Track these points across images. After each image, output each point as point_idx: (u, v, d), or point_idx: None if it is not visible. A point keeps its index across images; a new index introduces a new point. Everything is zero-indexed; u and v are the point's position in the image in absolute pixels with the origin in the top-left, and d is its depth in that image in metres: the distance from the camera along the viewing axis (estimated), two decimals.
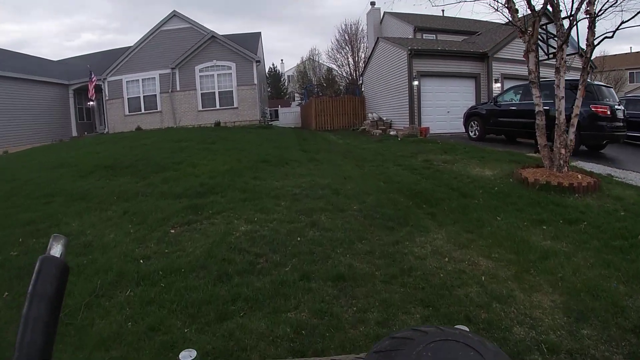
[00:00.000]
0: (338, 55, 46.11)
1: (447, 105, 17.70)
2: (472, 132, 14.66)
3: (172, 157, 8.31)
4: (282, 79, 61.66)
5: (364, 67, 22.81)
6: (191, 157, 8.27)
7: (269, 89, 59.29)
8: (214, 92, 21.93)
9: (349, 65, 46.35)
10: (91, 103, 25.64)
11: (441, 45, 19.04)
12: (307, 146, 11.74)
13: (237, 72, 21.67)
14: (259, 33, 28.64)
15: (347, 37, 44.96)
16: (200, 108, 22.02)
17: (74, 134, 24.44)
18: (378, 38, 20.17)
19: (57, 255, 0.68)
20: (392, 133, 16.98)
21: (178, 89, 22.18)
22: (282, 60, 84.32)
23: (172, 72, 22.09)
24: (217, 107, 21.88)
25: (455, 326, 0.86)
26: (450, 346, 0.71)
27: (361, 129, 18.97)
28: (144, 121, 22.61)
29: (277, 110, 29.78)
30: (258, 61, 21.64)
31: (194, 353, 0.93)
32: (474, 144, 12.66)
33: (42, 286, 0.64)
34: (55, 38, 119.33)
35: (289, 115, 34.07)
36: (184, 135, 12.50)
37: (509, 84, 18.14)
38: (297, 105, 47.67)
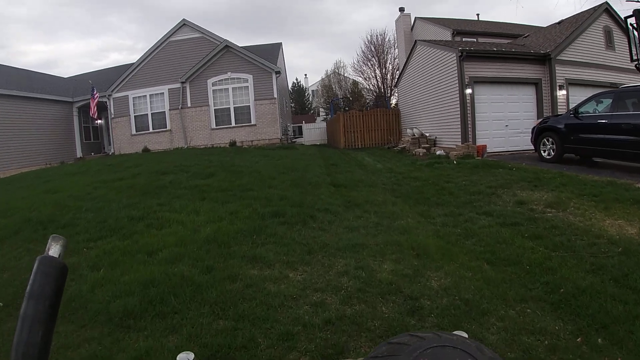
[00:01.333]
0: (365, 68, 43.53)
1: (504, 118, 14.49)
2: (544, 151, 11.41)
3: (137, 206, 5.54)
4: (306, 94, 59.30)
5: (399, 76, 19.88)
6: (164, 207, 5.47)
7: (292, 104, 57.14)
8: (229, 108, 19.36)
9: (376, 77, 43.77)
10: (99, 122, 23.63)
11: (494, 46, 15.92)
12: (338, 176, 8.82)
13: (254, 85, 19.08)
14: (280, 44, 26.16)
15: (373, 49, 42.38)
16: (213, 126, 19.48)
17: (79, 154, 22.36)
18: (416, 42, 17.21)
19: (56, 255, 0.70)
20: (439, 152, 13.86)
21: (189, 105, 19.75)
22: (305, 75, 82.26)
23: (182, 86, 19.71)
24: (233, 124, 19.29)
25: (454, 332, 0.84)
26: (447, 352, 0.70)
27: (400, 148, 15.90)
28: (151, 141, 20.27)
29: (300, 126, 26.99)
30: (278, 72, 19.02)
31: (191, 356, 0.94)
32: (556, 168, 9.48)
33: (39, 286, 0.65)
34: (83, 58, 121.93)
35: (313, 132, 31.35)
36: (179, 163, 9.81)
37: (575, 92, 14.92)
38: (323, 120, 45.12)
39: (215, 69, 19.53)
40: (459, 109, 13.60)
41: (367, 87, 42.60)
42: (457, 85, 13.63)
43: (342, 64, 64.61)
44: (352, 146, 19.53)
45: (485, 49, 14.71)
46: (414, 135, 15.82)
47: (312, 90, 58.79)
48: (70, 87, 23.61)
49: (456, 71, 13.64)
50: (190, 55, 19.86)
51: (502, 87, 14.56)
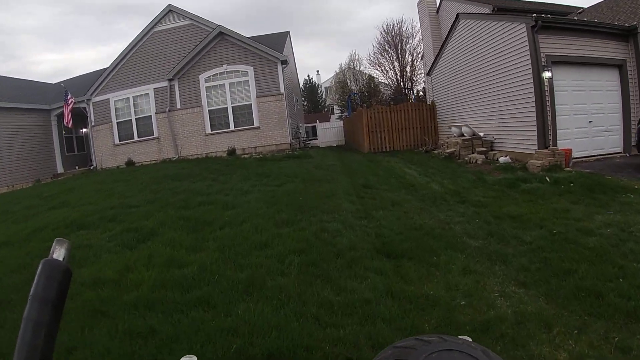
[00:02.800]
0: (382, 60, 39.79)
1: (587, 111, 10.69)
2: None
3: None
4: (319, 91, 55.53)
5: (432, 63, 16.10)
6: None
7: (304, 103, 53.56)
8: (226, 108, 15.89)
9: (394, 70, 39.95)
10: (84, 130, 20.55)
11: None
12: (381, 216, 5.19)
13: (256, 78, 15.55)
14: (287, 32, 22.54)
15: (390, 39, 38.66)
16: (208, 131, 16.03)
17: (60, 169, 19.21)
18: (459, 15, 13.38)
19: (60, 258, 0.69)
20: (502, 160, 10.11)
21: (178, 106, 16.34)
22: (317, 71, 78.04)
23: (169, 85, 16.32)
24: (231, 127, 15.81)
25: (459, 336, 0.85)
26: (453, 356, 0.70)
27: (446, 153, 12.13)
28: (137, 151, 16.97)
29: (314, 126, 23.28)
30: (285, 62, 15.44)
31: (194, 359, 0.96)
32: None
33: (43, 289, 0.65)
34: (95, 64, 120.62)
35: (329, 132, 27.71)
36: (125, 199, 6.28)
37: None
38: (338, 118, 41.40)
39: (208, 61, 16.07)
40: (532, 99, 9.79)
41: (385, 81, 38.85)
42: (529, 67, 9.83)
43: (357, 56, 60.48)
44: (379, 149, 15.83)
45: (566, 19, 10.88)
46: (464, 136, 12.04)
47: (325, 87, 54.99)
48: (52, 92, 20.46)
49: (527, 48, 9.84)
50: (178, 47, 16.47)
51: (583, 70, 10.73)
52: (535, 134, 9.76)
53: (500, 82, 10.96)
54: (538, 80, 9.68)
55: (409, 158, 12.60)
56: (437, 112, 15.89)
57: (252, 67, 15.53)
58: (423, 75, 42.25)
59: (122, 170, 14.61)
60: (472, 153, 11.14)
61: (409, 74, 38.48)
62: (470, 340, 0.82)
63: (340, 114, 45.90)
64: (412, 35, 39.53)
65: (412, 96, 26.74)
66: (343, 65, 48.44)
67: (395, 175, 9.13)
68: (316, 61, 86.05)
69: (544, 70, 9.59)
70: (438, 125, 15.95)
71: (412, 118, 15.89)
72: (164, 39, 16.82)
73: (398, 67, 38.87)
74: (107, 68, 17.50)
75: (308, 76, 56.84)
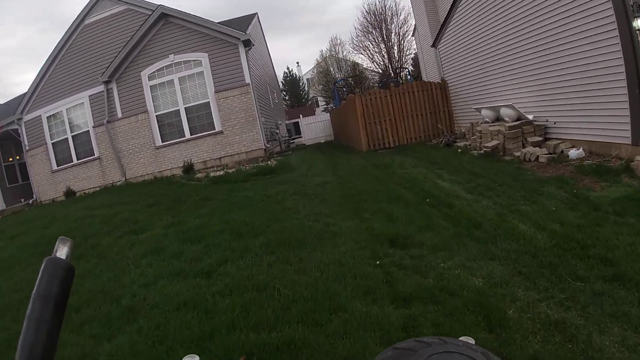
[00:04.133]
0: (366, 43, 36.24)
1: None
2: None
3: None
4: (301, 83, 51.66)
5: (439, 31, 12.58)
6: None
7: (285, 97, 49.74)
8: (178, 111, 12.26)
9: (380, 53, 36.45)
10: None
11: None
12: None
13: (212, 67, 11.94)
14: (254, 14, 18.79)
15: (373, 20, 35.18)
16: (158, 142, 12.41)
17: (1, 206, 15.52)
18: None
19: (63, 257, 0.69)
20: (574, 153, 6.68)
21: (119, 115, 12.69)
22: (297, 63, 73.70)
23: (106, 89, 12.65)
24: (187, 135, 12.20)
25: (461, 337, 0.83)
26: (453, 358, 0.70)
27: (488, 148, 8.55)
28: (77, 177, 13.39)
29: (297, 122, 19.54)
30: (248, 43, 11.80)
31: (196, 359, 0.93)
32: None
33: (46, 287, 0.65)
34: None
35: (314, 127, 24.18)
36: None
37: None
38: (324, 111, 37.78)
39: (150, 53, 12.42)
40: (619, 60, 6.32)
41: (372, 66, 35.41)
42: (610, 13, 6.35)
43: (338, 41, 56.44)
44: (381, 145, 12.32)
45: None
46: (504, 120, 8.56)
47: (307, 79, 51.16)
48: None
49: None
50: (115, 40, 12.84)
51: None
52: (628, 112, 6.29)
53: (558, 41, 7.45)
54: (627, 31, 6.21)
55: (427, 157, 9.11)
56: (451, 91, 12.39)
57: (206, 54, 11.89)
58: (412, 54, 38.87)
59: (47, 208, 11.02)
60: (525, 146, 7.67)
61: (396, 56, 35.09)
62: (473, 341, 0.80)
63: (325, 106, 42.28)
64: (397, 14, 35.97)
65: (407, 76, 23.17)
66: (324, 51, 44.83)
67: (426, 193, 5.64)
68: (296, 56, 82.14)
69: (635, 17, 6.13)
70: (453, 109, 12.47)
71: (419, 102, 12.38)
72: (97, 33, 13.15)
73: (385, 49, 35.45)
74: (35, 77, 13.76)
75: (288, 68, 52.98)
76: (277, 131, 13.86)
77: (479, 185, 5.69)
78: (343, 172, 8.19)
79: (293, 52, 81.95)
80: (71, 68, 13.35)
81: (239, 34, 11.54)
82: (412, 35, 28.85)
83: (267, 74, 18.52)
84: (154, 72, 12.38)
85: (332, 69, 39.10)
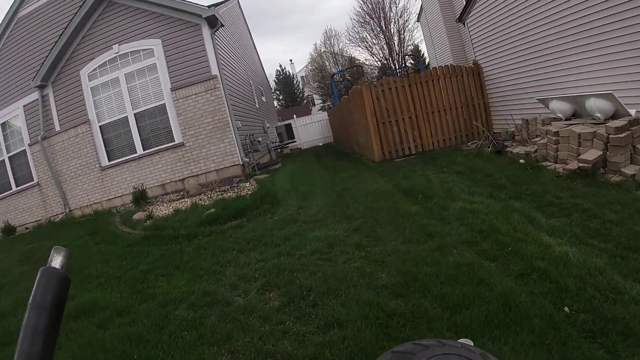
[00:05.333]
0: (365, 34, 33.29)
1: None
2: None
3: None
4: (295, 81, 48.45)
5: (468, 2, 9.51)
6: None
7: (279, 97, 46.63)
8: (126, 119, 9.18)
9: (379, 44, 33.54)
10: None
11: None
12: None
13: (167, 57, 8.85)
14: None
15: (370, 7, 32.30)
16: (105, 162, 9.36)
17: None
18: None
19: (58, 266, 0.70)
20: None
21: (57, 128, 9.72)
22: (290, 60, 70.46)
23: (41, 95, 9.64)
24: (139, 152, 9.12)
25: (459, 340, 0.86)
26: None
27: (562, 160, 5.44)
28: (17, 209, 10.59)
29: (288, 124, 16.26)
30: (214, 21, 8.64)
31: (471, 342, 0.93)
32: None
33: (41, 297, 0.66)
34: None
35: (311, 128, 21.12)
36: None
37: None
38: (321, 110, 34.67)
39: (90, 45, 9.38)
40: None
41: (370, 59, 32.53)
42: None
43: (334, 32, 53.10)
44: (399, 152, 9.19)
45: None
46: (591, 118, 5.47)
47: (302, 77, 48.06)
48: None
49: None
50: (54, 33, 9.78)
51: None
52: None
53: None
54: None
55: (478, 173, 6.02)
56: (488, 78, 9.30)
57: (159, 41, 8.81)
58: (413, 45, 35.80)
59: None
60: (634, 158, 4.60)
61: (397, 48, 32.14)
62: (472, 343, 0.81)
63: (322, 105, 39.22)
64: (395, 2, 32.95)
65: (417, 65, 20.16)
66: (318, 44, 41.84)
67: (547, 282, 2.57)
68: (290, 57, 78.95)
69: None
70: (490, 100, 9.38)
71: (447, 93, 9.27)
72: (34, 27, 10.14)
73: (384, 40, 32.46)
74: None
75: (280, 66, 49.93)
76: (259, 140, 10.64)
77: None
78: (358, 209, 5.06)
79: (286, 54, 78.61)
80: (6, 72, 10.38)
81: (200, 9, 8.43)
82: (418, 21, 25.82)
83: (251, 69, 15.46)
84: (95, 69, 9.32)
85: (327, 63, 36.03)
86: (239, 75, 11.42)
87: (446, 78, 9.32)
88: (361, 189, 6.19)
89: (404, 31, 31.87)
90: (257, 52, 20.60)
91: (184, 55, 8.66)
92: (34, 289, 0.66)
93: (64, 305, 0.69)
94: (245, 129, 9.75)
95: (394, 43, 32.42)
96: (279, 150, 16.34)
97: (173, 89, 8.67)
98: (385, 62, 31.54)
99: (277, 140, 15.61)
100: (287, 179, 7.92)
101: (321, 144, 20.97)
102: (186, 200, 7.30)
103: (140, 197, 8.19)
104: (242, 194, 6.73)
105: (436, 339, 0.81)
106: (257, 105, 13.98)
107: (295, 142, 17.02)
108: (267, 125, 14.45)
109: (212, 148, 8.48)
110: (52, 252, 0.72)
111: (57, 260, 0.71)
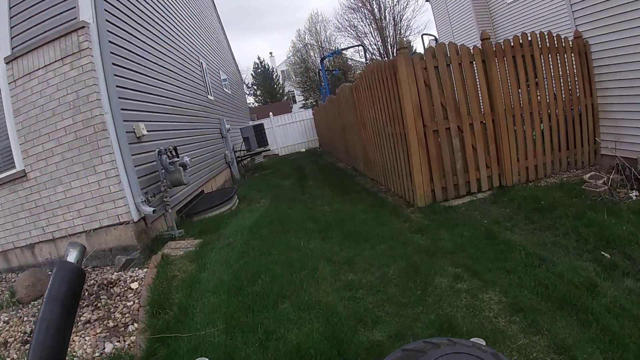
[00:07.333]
0: (355, 21, 29.40)
1: None
2: None
3: None
4: (274, 76, 43.60)
5: None
6: None
7: (257, 92, 41.73)
8: None
9: (372, 33, 29.87)
10: None
11: None
12: None
13: None
14: None
15: None
16: None
17: None
18: None
19: (73, 261, 0.74)
20: None
21: None
22: (270, 53, 64.06)
23: None
24: None
25: (472, 339, 0.84)
26: (462, 359, 0.69)
27: None
28: None
29: (259, 125, 11.56)
30: None
31: None
32: None
33: (57, 290, 0.68)
34: None
35: (291, 129, 16.71)
36: None
37: None
38: (302, 108, 29.99)
39: None
40: None
41: (365, 52, 28.77)
42: None
43: (321, 17, 48.32)
44: (463, 189, 4.76)
45: None
46: None
47: (282, 71, 43.30)
48: None
49: None
50: None
51: None
52: None
53: None
54: None
55: None
56: (599, 64, 5.02)
57: None
58: (417, 32, 31.80)
59: None
60: None
61: (392, 35, 28.19)
62: (484, 343, 0.79)
63: (304, 102, 34.60)
64: None
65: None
66: (302, 31, 37.32)
67: None
68: (281, 52, 73.80)
69: None
70: (600, 102, 5.09)
71: (544, 81, 4.97)
72: None
73: (376, 29, 28.41)
74: None
75: (259, 58, 45.11)
76: (186, 160, 5.50)
77: None
78: None
79: (267, 52, 73.47)
80: None
81: None
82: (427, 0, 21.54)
83: (206, 48, 10.83)
84: None
85: (312, 53, 31.44)
86: (165, 40, 6.68)
87: (543, 54, 5.01)
88: None
89: (400, 18, 28.00)
90: (226, 38, 16.01)
91: None
92: (50, 282, 0.68)
93: (78, 298, 0.72)
94: (160, 136, 5.16)
95: (389, 30, 28.46)
96: (245, 163, 11.78)
97: (10, 59, 4.06)
98: (379, 54, 27.44)
99: (243, 147, 11.09)
100: (236, 263, 3.43)
101: (303, 150, 16.50)
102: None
103: None
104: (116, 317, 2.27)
105: (447, 337, 0.79)
106: (210, 97, 9.35)
107: (268, 149, 12.56)
108: (227, 127, 9.85)
109: (74, 183, 3.92)
110: (67, 246, 0.75)
111: (72, 255, 0.73)
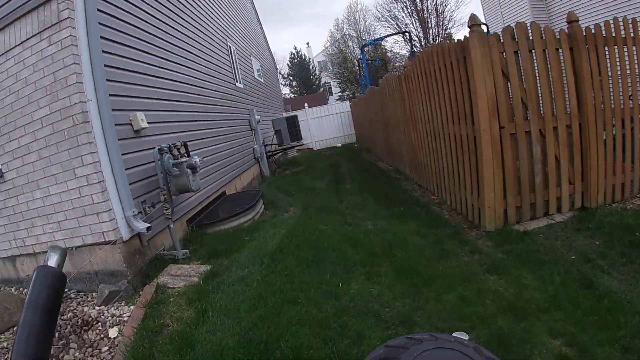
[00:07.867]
0: (397, 13, 28.16)
1: None
2: None
3: None
4: (311, 66, 42.63)
5: None
6: None
7: (292, 83, 40.92)
8: None
9: (413, 23, 28.61)
10: None
11: None
12: None
13: None
14: None
15: None
16: None
17: None
18: None
19: (54, 265, 0.73)
20: None
21: None
22: (307, 43, 62.65)
23: None
24: None
25: (454, 333, 0.83)
26: (445, 354, 0.68)
27: None
28: None
29: (293, 117, 10.63)
30: None
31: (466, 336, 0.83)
32: None
33: (37, 296, 0.68)
34: None
35: (327, 122, 15.73)
36: None
37: None
38: (339, 100, 28.79)
39: None
40: None
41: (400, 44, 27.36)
42: None
43: (360, 6, 46.98)
44: (540, 209, 3.71)
45: None
46: None
47: (319, 62, 42.23)
48: None
49: None
50: None
51: None
52: None
53: None
54: None
55: None
56: None
57: None
58: (460, 24, 29.96)
59: None
60: None
61: (434, 27, 26.79)
62: (466, 337, 0.79)
63: (341, 94, 33.37)
64: None
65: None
66: (340, 20, 36.03)
67: None
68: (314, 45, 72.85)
69: None
70: None
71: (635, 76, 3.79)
72: None
73: (417, 20, 26.96)
74: None
75: (295, 48, 44.28)
76: (196, 161, 4.40)
77: None
78: None
79: (303, 40, 72.51)
80: None
81: None
82: None
83: (237, 34, 10.01)
84: None
85: (351, 43, 30.14)
86: (180, 13, 5.76)
87: (636, 45, 3.81)
88: None
89: (443, 9, 26.38)
90: (261, 26, 15.21)
91: None
92: (30, 287, 0.65)
93: (60, 303, 0.67)
94: (167, 129, 4.28)
95: (431, 21, 26.86)
96: (276, 157, 10.91)
97: None
98: (420, 45, 25.92)
99: (274, 141, 10.23)
100: (248, 315, 2.44)
101: (339, 145, 15.47)
102: None
103: None
104: None
105: (429, 332, 0.75)
106: (238, 85, 8.50)
107: (301, 143, 11.64)
108: (257, 118, 8.99)
109: (52, 189, 3.13)
110: (48, 250, 0.71)
111: (53, 259, 0.72)
